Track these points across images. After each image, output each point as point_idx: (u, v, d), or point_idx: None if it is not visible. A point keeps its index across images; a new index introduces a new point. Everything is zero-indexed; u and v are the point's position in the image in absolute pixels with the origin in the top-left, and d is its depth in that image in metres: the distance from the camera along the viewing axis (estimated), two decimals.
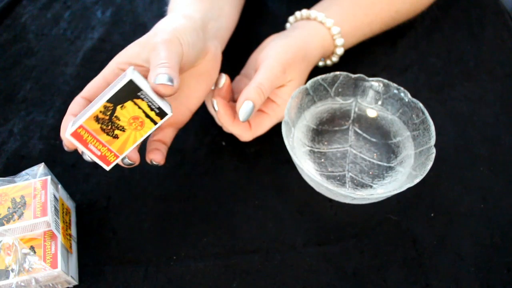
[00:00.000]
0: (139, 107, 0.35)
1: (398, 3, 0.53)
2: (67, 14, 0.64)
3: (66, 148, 0.37)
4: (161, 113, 0.36)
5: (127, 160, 0.38)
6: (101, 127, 0.35)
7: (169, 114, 0.36)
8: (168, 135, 0.43)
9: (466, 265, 0.41)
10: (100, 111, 0.34)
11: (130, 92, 0.34)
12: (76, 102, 0.37)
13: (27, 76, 0.56)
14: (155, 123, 0.36)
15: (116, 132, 0.35)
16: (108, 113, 0.35)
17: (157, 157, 0.40)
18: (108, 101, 0.34)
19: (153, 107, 0.35)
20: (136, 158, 0.38)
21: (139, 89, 0.34)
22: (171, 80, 0.34)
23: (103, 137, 0.35)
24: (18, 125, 0.52)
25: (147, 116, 0.35)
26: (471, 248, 0.42)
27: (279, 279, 0.41)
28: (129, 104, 0.35)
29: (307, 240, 0.43)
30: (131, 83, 0.34)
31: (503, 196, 0.45)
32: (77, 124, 0.34)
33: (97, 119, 0.34)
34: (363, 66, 0.55)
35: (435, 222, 0.44)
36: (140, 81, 0.34)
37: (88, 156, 0.36)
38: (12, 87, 0.55)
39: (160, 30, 0.39)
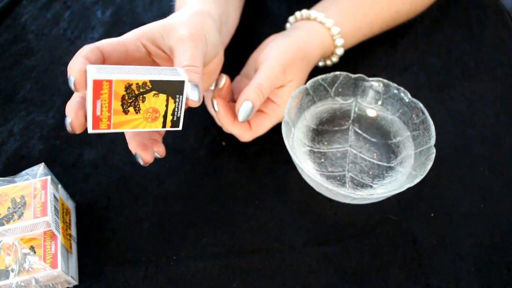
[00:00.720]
0: (166, 105, 0.34)
1: (398, 3, 0.53)
2: (67, 14, 0.64)
3: (71, 84, 0.32)
4: (176, 123, 0.35)
5: (156, 155, 0.37)
6: (123, 95, 0.33)
7: (180, 128, 0.36)
8: None
9: (466, 265, 0.41)
10: (137, 83, 0.33)
11: (173, 89, 0.34)
12: (90, 49, 0.34)
13: (27, 76, 0.56)
14: (164, 126, 0.35)
15: (130, 109, 0.34)
16: (141, 90, 0.33)
17: (160, 149, 0.39)
18: (151, 81, 0.33)
19: (175, 113, 0.35)
20: (163, 152, 0.38)
21: (181, 93, 0.34)
22: (199, 92, 0.34)
23: (116, 104, 0.33)
24: (18, 125, 0.52)
25: (165, 116, 0.35)
26: (471, 248, 0.42)
27: (279, 279, 0.41)
28: (162, 97, 0.34)
29: (307, 240, 0.43)
30: (181, 84, 0.34)
31: (503, 196, 0.45)
32: (108, 76, 0.32)
33: (128, 86, 0.33)
34: (363, 66, 0.55)
35: (435, 222, 0.44)
36: (189, 89, 0.34)
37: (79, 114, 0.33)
38: (12, 87, 0.55)
39: (187, 21, 0.38)
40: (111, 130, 0.34)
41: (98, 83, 0.32)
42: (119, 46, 0.36)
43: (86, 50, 0.34)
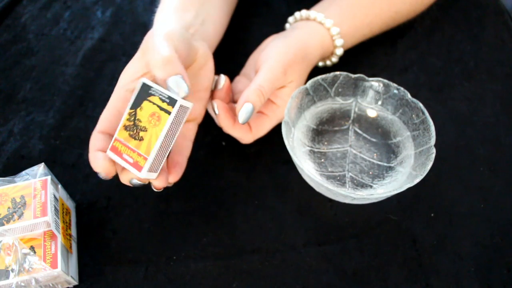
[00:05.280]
0: (153, 103, 0.36)
1: (398, 3, 0.53)
2: (67, 14, 0.64)
3: (103, 176, 0.37)
4: (172, 101, 0.35)
5: (135, 181, 0.38)
6: (129, 134, 0.36)
7: (178, 99, 0.35)
8: (192, 131, 0.44)
9: (466, 265, 0.41)
10: (127, 119, 0.36)
11: (144, 93, 0.36)
12: (96, 138, 0.38)
13: (27, 76, 0.56)
14: (169, 113, 0.35)
15: (141, 134, 0.36)
16: (132, 118, 0.36)
17: (174, 175, 0.40)
18: (130, 107, 0.36)
19: (164, 98, 0.36)
20: (159, 184, 0.38)
21: (150, 87, 0.36)
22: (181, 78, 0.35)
23: (132, 143, 0.36)
24: (18, 125, 0.52)
25: (161, 108, 0.36)
26: (471, 248, 0.42)
27: (279, 279, 0.41)
28: (145, 103, 0.36)
29: (307, 240, 0.43)
30: (144, 85, 0.36)
31: (503, 196, 0.45)
32: (112, 139, 0.37)
33: (125, 127, 0.36)
34: (363, 66, 0.55)
35: (435, 222, 0.44)
36: (150, 82, 0.37)
37: (124, 166, 0.36)
38: (12, 87, 0.55)
39: (151, 41, 0.39)
40: (150, 158, 0.35)
41: (113, 148, 0.37)
42: (112, 112, 0.38)
43: (94, 141, 0.37)
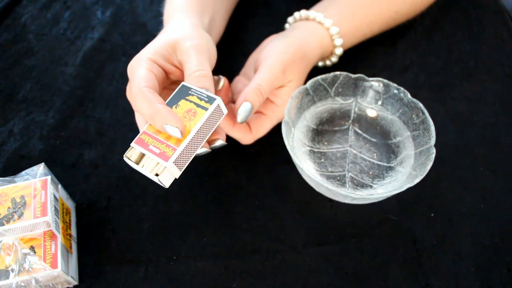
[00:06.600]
0: (191, 101, 0.37)
1: (398, 3, 0.53)
2: (67, 14, 0.64)
3: (178, 134, 0.35)
4: (210, 100, 0.37)
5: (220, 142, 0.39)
6: None
7: (217, 99, 0.37)
8: None
9: (466, 265, 0.41)
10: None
11: (182, 93, 0.37)
12: (149, 92, 0.37)
13: (27, 76, 0.56)
14: (206, 109, 0.36)
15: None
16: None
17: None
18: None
19: (202, 97, 0.37)
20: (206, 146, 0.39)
21: (190, 88, 0.37)
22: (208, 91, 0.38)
23: (162, 136, 0.36)
24: (18, 125, 0.52)
25: (198, 105, 0.37)
26: (471, 248, 0.42)
27: (279, 279, 0.41)
28: (182, 102, 0.37)
29: (307, 240, 0.43)
30: (183, 87, 0.38)
31: (503, 196, 0.45)
32: (140, 132, 0.37)
33: None
34: (363, 66, 0.55)
35: (435, 222, 0.44)
36: (190, 84, 0.38)
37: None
38: (12, 87, 0.55)
39: (188, 34, 0.40)
40: (179, 148, 0.35)
41: (139, 141, 0.36)
42: (155, 80, 0.38)
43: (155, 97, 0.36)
